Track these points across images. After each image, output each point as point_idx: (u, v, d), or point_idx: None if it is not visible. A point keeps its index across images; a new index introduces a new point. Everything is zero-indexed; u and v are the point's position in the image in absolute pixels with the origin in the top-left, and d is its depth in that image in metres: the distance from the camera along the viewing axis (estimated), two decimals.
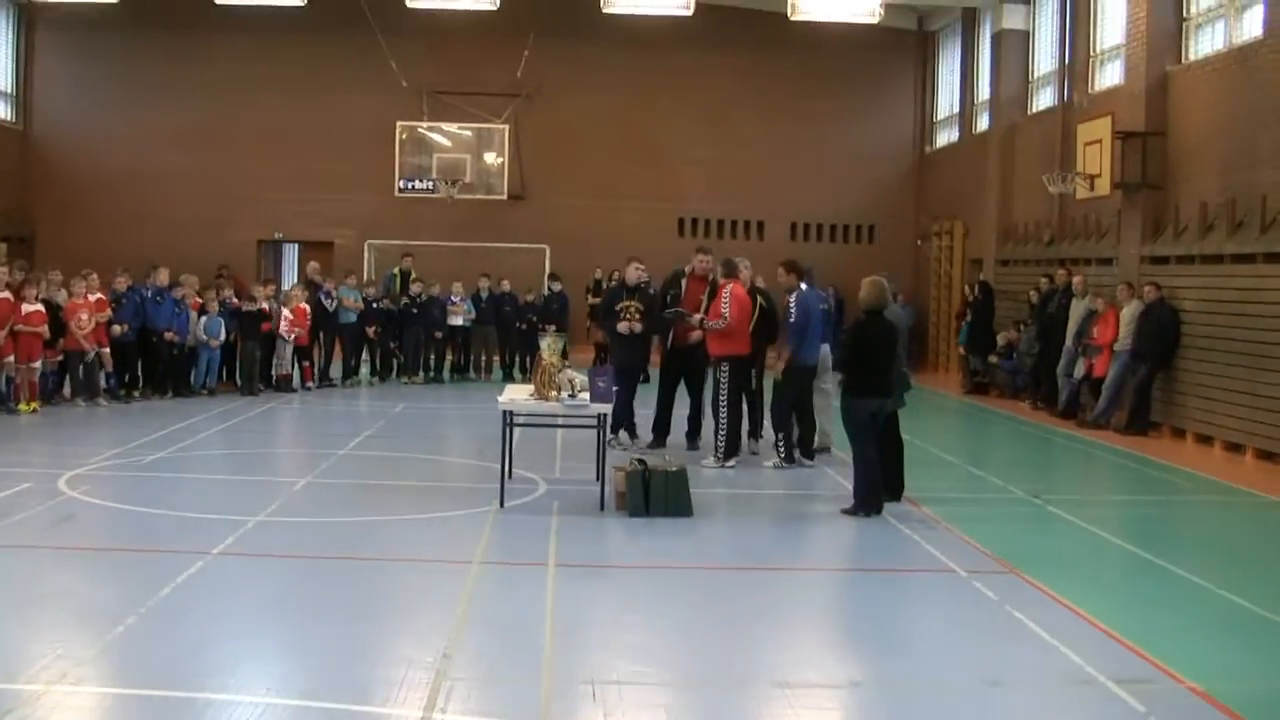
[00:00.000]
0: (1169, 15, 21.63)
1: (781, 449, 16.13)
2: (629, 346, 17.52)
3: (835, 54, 35.05)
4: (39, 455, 15.95)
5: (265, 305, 23.56)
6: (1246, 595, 10.22)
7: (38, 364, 19.53)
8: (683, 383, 17.51)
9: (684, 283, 17.15)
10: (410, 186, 32.99)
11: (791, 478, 15.68)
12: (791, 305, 16.01)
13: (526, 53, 32.76)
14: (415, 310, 26.50)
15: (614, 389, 13.90)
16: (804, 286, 16.32)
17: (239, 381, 23.37)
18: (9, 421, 18.61)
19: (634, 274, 17.68)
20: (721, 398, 16.07)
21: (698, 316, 16.09)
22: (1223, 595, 10.31)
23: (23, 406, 19.24)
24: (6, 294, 19.16)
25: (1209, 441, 19.26)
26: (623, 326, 17.30)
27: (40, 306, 19.55)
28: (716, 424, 16.24)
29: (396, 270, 28.01)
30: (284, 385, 23.83)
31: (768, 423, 16.83)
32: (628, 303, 17.41)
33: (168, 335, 21.73)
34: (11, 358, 19.05)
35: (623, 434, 17.26)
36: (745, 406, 16.70)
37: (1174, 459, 18.16)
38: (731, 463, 16.11)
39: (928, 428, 19.89)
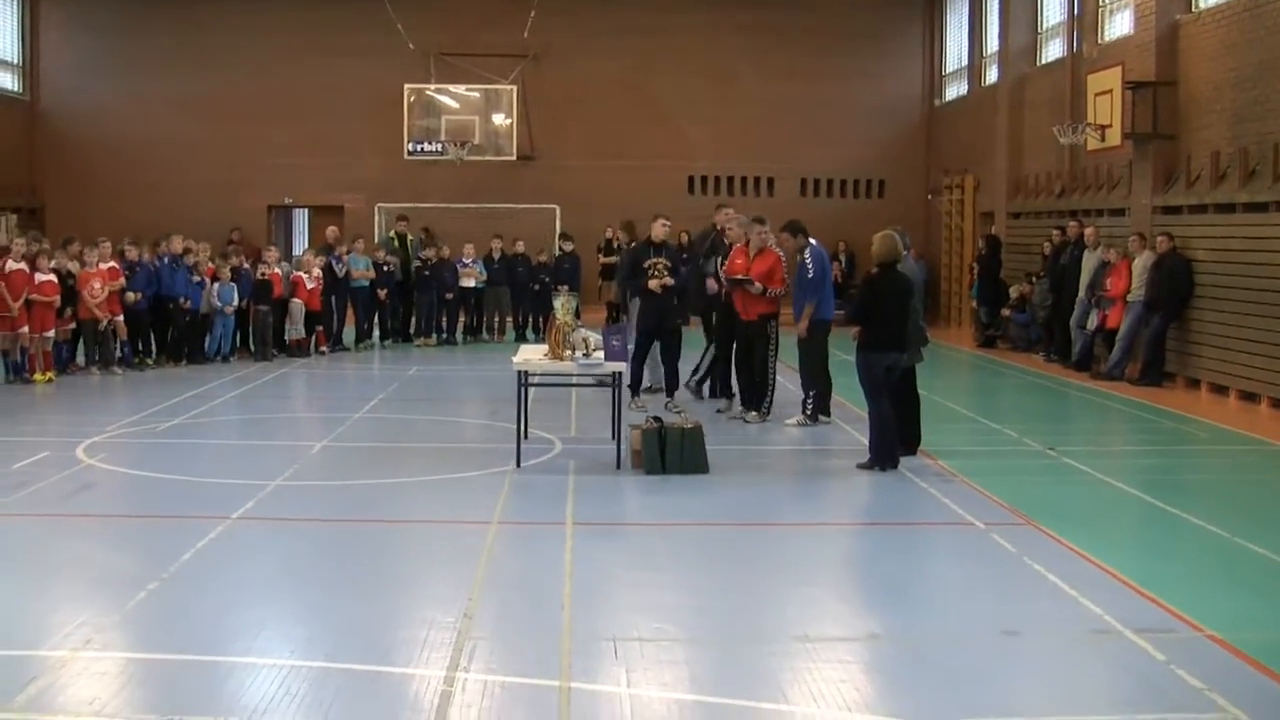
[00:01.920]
0: None
1: (809, 406, 16.14)
2: (657, 305, 17.08)
3: (842, 9, 35.04)
4: (56, 424, 16.00)
5: (277, 270, 23.57)
6: (1264, 544, 10.23)
7: (51, 334, 19.56)
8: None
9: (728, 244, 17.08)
10: (419, 149, 32.88)
11: (807, 434, 15.69)
12: (808, 261, 15.96)
13: (533, 13, 32.64)
14: (427, 273, 26.51)
15: (628, 346, 13.85)
16: (813, 242, 16.32)
17: (253, 348, 23.39)
18: (25, 391, 18.66)
19: (660, 230, 17.28)
20: (771, 354, 16.17)
21: (759, 285, 15.95)
22: (1240, 544, 10.33)
23: (38, 377, 19.28)
24: (23, 265, 19.16)
25: (1224, 391, 19.24)
26: (654, 284, 16.86)
27: (52, 276, 19.56)
28: (763, 381, 16.31)
29: (393, 234, 27.93)
30: (298, 350, 23.85)
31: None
32: (655, 260, 17.03)
33: (183, 303, 21.76)
34: (25, 328, 19.07)
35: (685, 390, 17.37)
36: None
37: (1189, 409, 18.14)
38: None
39: (942, 382, 19.89)
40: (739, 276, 16.08)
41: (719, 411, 16.96)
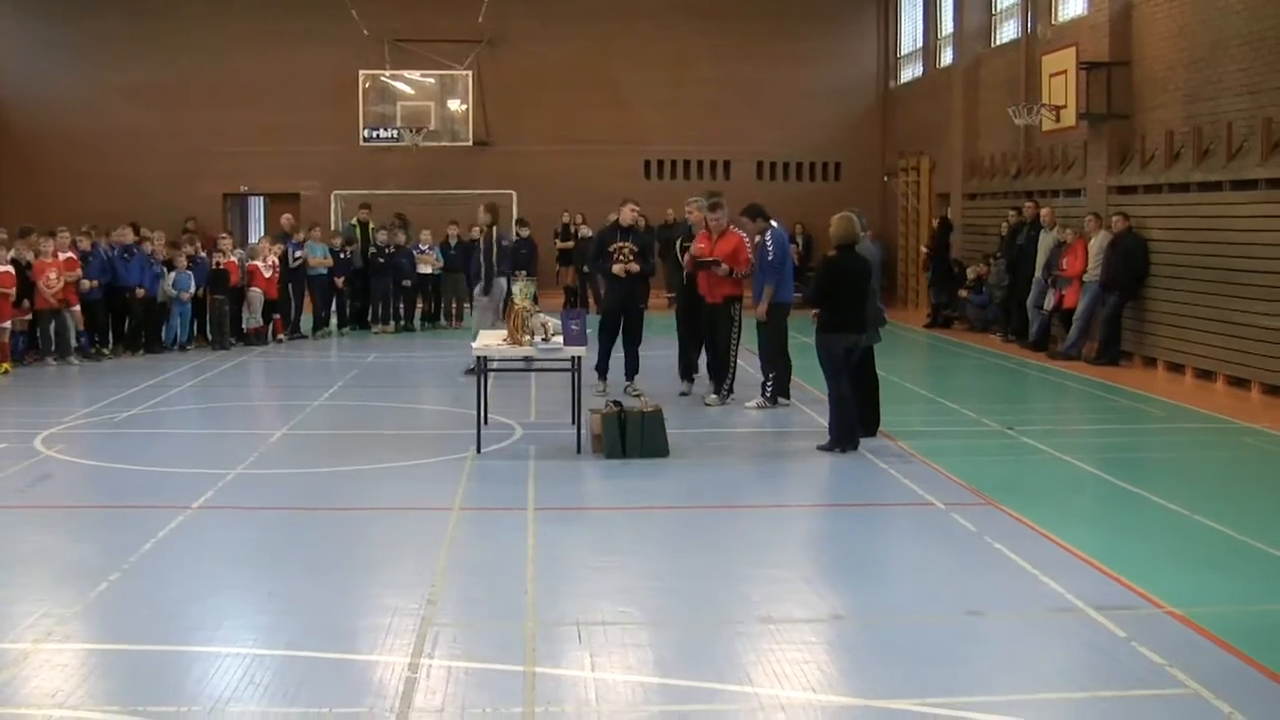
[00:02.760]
0: None
1: (769, 389, 16.15)
2: (621, 289, 17.05)
3: None
4: (12, 416, 15.88)
5: (233, 259, 23.44)
6: (1222, 521, 10.32)
7: (7, 324, 19.41)
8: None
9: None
10: (375, 136, 32.87)
11: (766, 416, 15.73)
12: (768, 243, 15.97)
13: None
14: (382, 260, 26.43)
15: (587, 333, 13.80)
16: (774, 224, 16.34)
17: (210, 336, 23.24)
18: None
19: (629, 215, 17.17)
20: (734, 336, 16.25)
21: (725, 267, 16.01)
22: (1198, 521, 10.41)
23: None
24: None
25: (1180, 370, 19.36)
26: (618, 268, 16.82)
27: (9, 268, 19.42)
28: (725, 363, 16.39)
29: (355, 221, 27.86)
30: (255, 339, 23.74)
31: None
32: (621, 244, 16.94)
33: (137, 292, 21.60)
34: None
35: (638, 379, 17.08)
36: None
37: (1145, 388, 18.26)
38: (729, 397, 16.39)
39: (899, 363, 19.96)
40: (706, 259, 16.13)
41: (681, 394, 16.99)
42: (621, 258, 16.81)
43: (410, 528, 10.46)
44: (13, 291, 19.42)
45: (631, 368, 17.09)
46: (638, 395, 15.30)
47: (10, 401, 17.22)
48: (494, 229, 19.35)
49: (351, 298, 26.64)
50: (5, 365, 19.37)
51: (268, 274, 23.84)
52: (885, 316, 14.60)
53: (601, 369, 17.09)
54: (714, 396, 16.43)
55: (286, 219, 26.67)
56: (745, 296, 16.46)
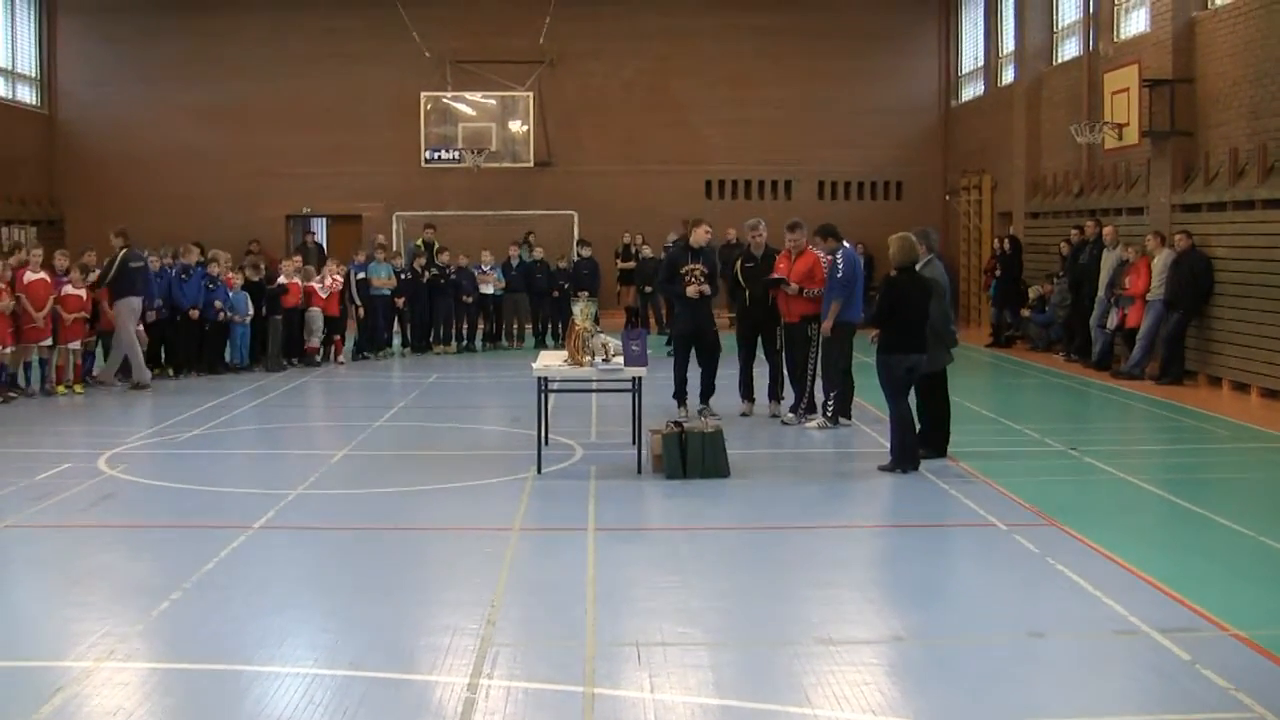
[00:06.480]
0: None
1: (830, 409, 16.08)
2: (692, 311, 16.81)
3: (857, 10, 35.13)
4: (77, 436, 16.08)
5: (296, 280, 23.54)
6: None
7: (77, 345, 19.60)
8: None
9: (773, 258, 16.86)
10: (436, 157, 33.06)
11: (827, 436, 15.68)
12: (839, 261, 15.90)
13: (548, 19, 32.72)
14: (444, 281, 26.49)
15: (647, 353, 13.76)
16: (845, 244, 16.31)
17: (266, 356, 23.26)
18: (47, 403, 18.70)
19: (702, 236, 16.87)
20: (812, 355, 16.17)
21: (794, 286, 15.99)
22: (1264, 542, 10.29)
23: (60, 389, 19.32)
24: (43, 275, 19.16)
25: (1245, 389, 19.18)
26: (692, 291, 16.54)
27: (82, 291, 19.60)
28: (807, 383, 16.35)
29: (419, 242, 28.01)
30: (315, 359, 23.81)
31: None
32: (692, 266, 16.67)
33: (191, 313, 21.68)
34: (49, 340, 19.10)
35: (696, 401, 16.83)
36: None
37: (1210, 407, 18.09)
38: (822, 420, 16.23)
39: (962, 382, 19.78)
40: (776, 278, 16.12)
41: (743, 414, 16.95)
42: (693, 279, 16.66)
43: (470, 547, 10.46)
44: (84, 314, 19.62)
45: (707, 390, 16.82)
46: (715, 416, 15.23)
47: (74, 421, 17.40)
48: (126, 250, 19.86)
49: (413, 318, 26.62)
50: (78, 386, 19.57)
51: (324, 294, 23.90)
52: (956, 338, 14.53)
53: (680, 395, 16.92)
54: (791, 415, 16.41)
55: (380, 237, 27.14)
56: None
